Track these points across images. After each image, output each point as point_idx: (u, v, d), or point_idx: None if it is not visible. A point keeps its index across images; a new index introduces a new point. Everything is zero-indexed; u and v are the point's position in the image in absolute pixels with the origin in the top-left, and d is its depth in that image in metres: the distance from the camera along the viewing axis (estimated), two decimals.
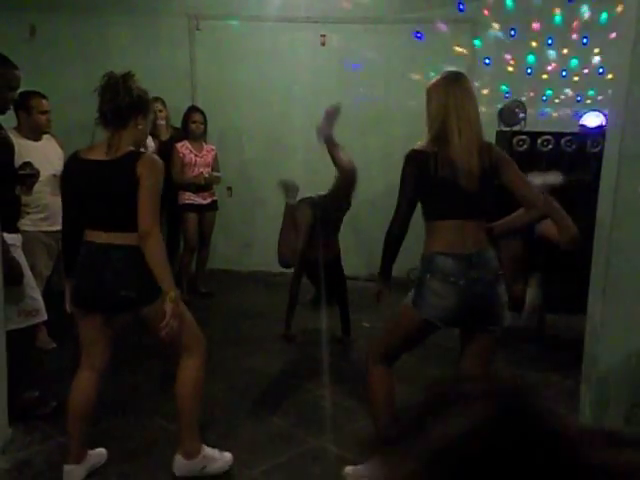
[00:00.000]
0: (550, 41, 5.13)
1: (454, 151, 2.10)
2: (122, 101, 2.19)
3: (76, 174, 2.28)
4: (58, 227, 3.69)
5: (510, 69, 5.25)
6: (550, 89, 5.23)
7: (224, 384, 2.75)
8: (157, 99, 5.17)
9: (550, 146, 4.54)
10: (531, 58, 5.19)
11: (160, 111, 5.16)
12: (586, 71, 5.14)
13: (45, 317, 3.06)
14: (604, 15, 4.96)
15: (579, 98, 5.16)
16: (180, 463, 2.36)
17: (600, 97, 4.97)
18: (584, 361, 2.43)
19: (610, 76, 4.45)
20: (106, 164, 2.21)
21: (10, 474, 2.43)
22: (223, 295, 5.03)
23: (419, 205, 2.23)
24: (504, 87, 5.27)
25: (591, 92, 5.11)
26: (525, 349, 3.81)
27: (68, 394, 2.37)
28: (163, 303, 2.14)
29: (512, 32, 5.16)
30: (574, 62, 5.14)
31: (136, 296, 2.18)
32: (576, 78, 5.19)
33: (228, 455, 2.51)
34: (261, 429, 2.86)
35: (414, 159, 2.17)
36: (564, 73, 5.20)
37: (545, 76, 5.23)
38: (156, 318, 2.17)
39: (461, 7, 5.19)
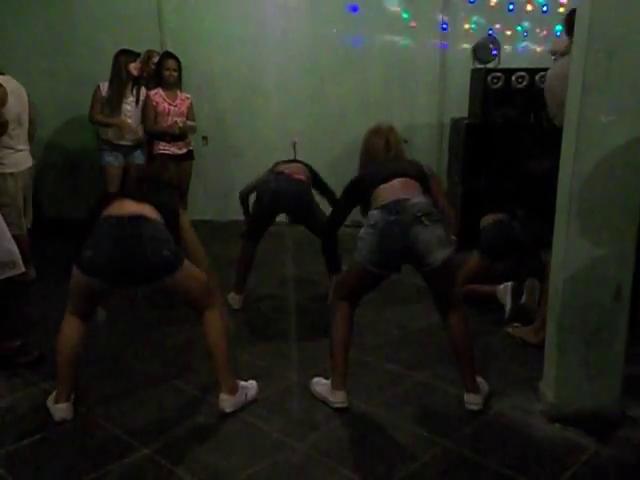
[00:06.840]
0: None
1: None
2: None
3: None
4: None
5: (484, 4, 5.15)
6: (525, 24, 5.15)
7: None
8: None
9: (524, 82, 4.51)
10: None
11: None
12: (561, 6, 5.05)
13: (22, 269, 3.06)
14: None
15: (557, 33, 5.08)
16: (228, 401, 2.50)
17: None
18: (549, 290, 2.50)
19: None
20: None
21: None
22: (203, 245, 5.01)
23: None
24: (478, 23, 5.18)
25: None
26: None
27: (55, 341, 2.46)
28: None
29: None
30: None
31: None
32: (548, 11, 5.11)
33: (253, 382, 2.69)
34: (242, 369, 2.92)
35: None
36: (545, 8, 5.11)
37: (519, 10, 5.13)
38: (179, 285, 2.44)
39: None
